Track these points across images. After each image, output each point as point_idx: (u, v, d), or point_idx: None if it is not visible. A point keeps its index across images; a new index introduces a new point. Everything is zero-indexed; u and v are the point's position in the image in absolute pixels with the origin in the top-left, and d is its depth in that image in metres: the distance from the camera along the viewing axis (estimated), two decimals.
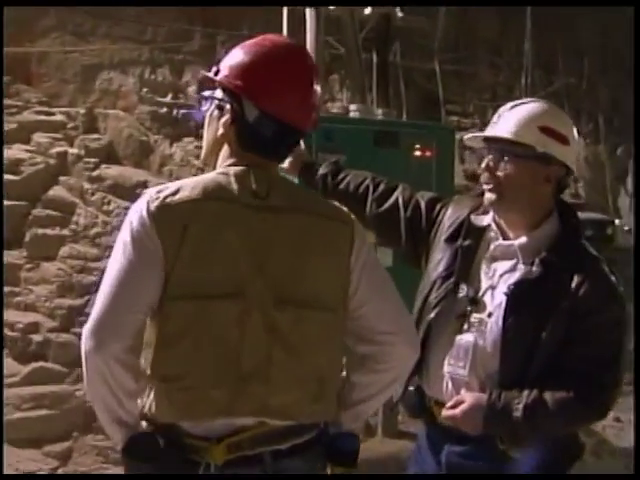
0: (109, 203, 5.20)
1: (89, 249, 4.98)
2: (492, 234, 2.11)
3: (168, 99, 5.70)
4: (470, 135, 2.19)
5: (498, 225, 2.11)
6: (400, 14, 4.40)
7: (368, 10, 4.30)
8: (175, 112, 5.60)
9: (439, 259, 2.16)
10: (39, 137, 5.38)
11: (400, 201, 2.31)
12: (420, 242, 2.26)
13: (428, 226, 2.25)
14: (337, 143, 3.87)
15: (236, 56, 1.64)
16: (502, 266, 2.06)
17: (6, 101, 5.29)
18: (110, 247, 1.70)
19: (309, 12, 4.14)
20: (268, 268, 1.58)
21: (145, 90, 5.66)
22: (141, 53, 5.69)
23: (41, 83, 5.65)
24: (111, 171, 5.39)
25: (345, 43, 4.41)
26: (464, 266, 2.10)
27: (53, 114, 5.52)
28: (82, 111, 5.52)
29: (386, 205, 2.31)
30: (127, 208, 1.69)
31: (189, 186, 1.57)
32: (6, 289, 4.66)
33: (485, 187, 2.08)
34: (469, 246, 2.12)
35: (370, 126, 4.04)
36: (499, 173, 2.02)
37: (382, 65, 4.41)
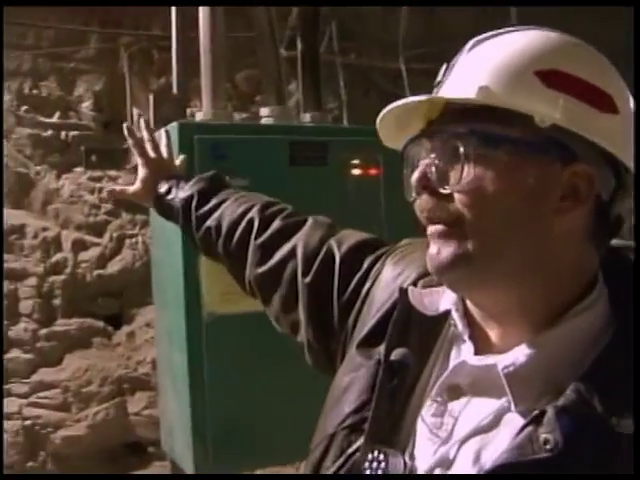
0: None
1: None
2: (454, 329, 0.87)
3: (55, 119, 4.48)
4: (390, 107, 0.96)
5: (468, 313, 0.86)
6: None
7: None
8: (65, 135, 4.37)
9: (345, 384, 0.91)
10: None
11: (299, 253, 1.10)
12: (334, 333, 1.09)
13: (347, 301, 1.06)
14: (234, 161, 2.69)
15: None
16: (472, 412, 0.79)
17: None
18: None
19: None
20: None
21: (25, 108, 4.43)
22: (21, 62, 4.47)
23: None
24: None
25: (256, 26, 3.19)
26: (389, 408, 0.85)
27: None
28: None
29: (271, 262, 1.16)
30: None
31: None
32: None
33: (430, 229, 0.85)
34: (402, 362, 0.86)
35: (284, 135, 2.83)
36: (449, 192, 0.80)
37: (310, 55, 3.22)
